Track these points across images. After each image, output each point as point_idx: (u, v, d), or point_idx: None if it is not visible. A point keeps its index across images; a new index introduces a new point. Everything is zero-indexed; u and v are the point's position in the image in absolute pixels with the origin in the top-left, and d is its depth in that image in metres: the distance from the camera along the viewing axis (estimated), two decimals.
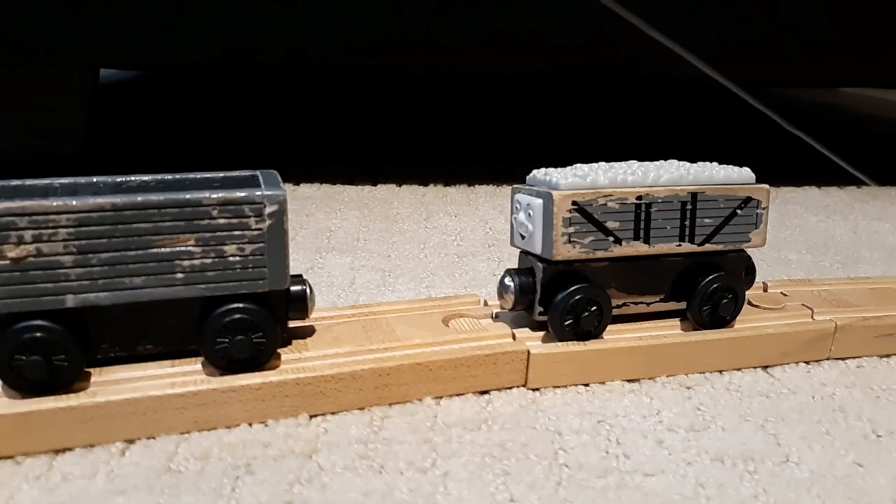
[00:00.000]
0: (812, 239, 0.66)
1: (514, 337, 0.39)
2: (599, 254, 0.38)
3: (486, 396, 0.37)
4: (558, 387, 0.38)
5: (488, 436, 0.34)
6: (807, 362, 0.42)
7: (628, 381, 0.39)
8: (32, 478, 0.30)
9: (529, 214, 0.39)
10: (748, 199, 0.41)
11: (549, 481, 0.31)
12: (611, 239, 0.38)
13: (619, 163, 0.41)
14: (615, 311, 0.40)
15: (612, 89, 1.60)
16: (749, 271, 0.42)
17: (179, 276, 0.33)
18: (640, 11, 0.69)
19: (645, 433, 0.35)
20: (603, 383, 0.39)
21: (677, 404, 0.37)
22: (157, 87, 1.47)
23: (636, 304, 0.41)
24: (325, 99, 1.40)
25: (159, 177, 0.35)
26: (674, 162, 0.42)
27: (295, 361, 0.36)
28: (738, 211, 0.40)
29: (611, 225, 0.38)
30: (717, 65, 0.75)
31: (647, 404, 0.37)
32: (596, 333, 0.39)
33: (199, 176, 0.35)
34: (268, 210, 0.33)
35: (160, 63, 0.82)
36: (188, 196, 0.32)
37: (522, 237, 0.40)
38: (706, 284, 0.40)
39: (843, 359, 0.43)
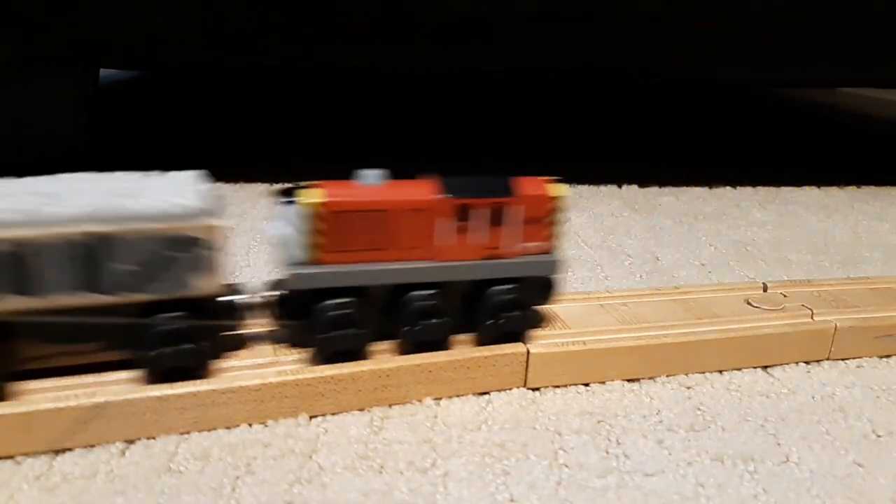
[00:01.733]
0: (812, 239, 0.66)
1: None
2: None
3: (486, 396, 0.37)
4: (558, 387, 0.38)
5: (488, 436, 0.34)
6: (807, 362, 0.42)
7: (628, 380, 0.39)
8: (32, 478, 0.30)
9: None
10: (185, 240, 0.32)
11: (549, 481, 0.31)
12: None
13: (38, 180, 0.33)
14: (34, 365, 0.33)
15: (611, 89, 1.60)
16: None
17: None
18: (639, 10, 0.69)
19: (645, 433, 0.35)
20: (603, 383, 0.39)
21: (677, 404, 0.37)
22: (157, 87, 1.47)
23: (65, 355, 0.33)
24: (324, 99, 1.40)
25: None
26: (109, 181, 0.34)
27: (294, 362, 0.36)
28: (171, 254, 0.33)
29: None
30: (718, 65, 0.75)
31: (647, 404, 0.37)
32: None
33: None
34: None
35: (160, 63, 0.82)
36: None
37: None
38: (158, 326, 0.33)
39: (843, 359, 0.43)
